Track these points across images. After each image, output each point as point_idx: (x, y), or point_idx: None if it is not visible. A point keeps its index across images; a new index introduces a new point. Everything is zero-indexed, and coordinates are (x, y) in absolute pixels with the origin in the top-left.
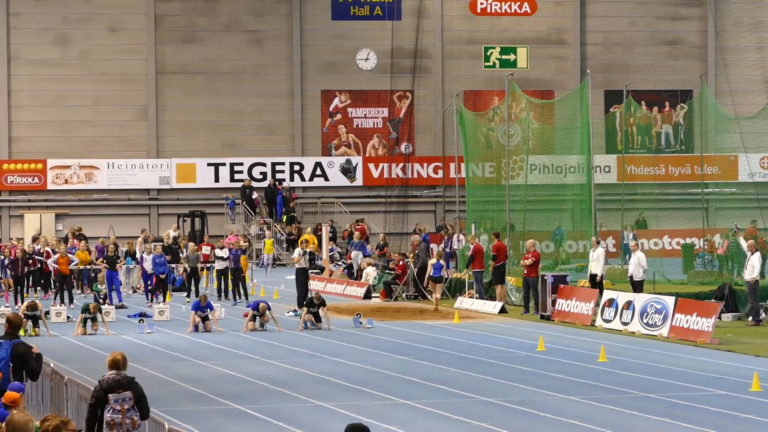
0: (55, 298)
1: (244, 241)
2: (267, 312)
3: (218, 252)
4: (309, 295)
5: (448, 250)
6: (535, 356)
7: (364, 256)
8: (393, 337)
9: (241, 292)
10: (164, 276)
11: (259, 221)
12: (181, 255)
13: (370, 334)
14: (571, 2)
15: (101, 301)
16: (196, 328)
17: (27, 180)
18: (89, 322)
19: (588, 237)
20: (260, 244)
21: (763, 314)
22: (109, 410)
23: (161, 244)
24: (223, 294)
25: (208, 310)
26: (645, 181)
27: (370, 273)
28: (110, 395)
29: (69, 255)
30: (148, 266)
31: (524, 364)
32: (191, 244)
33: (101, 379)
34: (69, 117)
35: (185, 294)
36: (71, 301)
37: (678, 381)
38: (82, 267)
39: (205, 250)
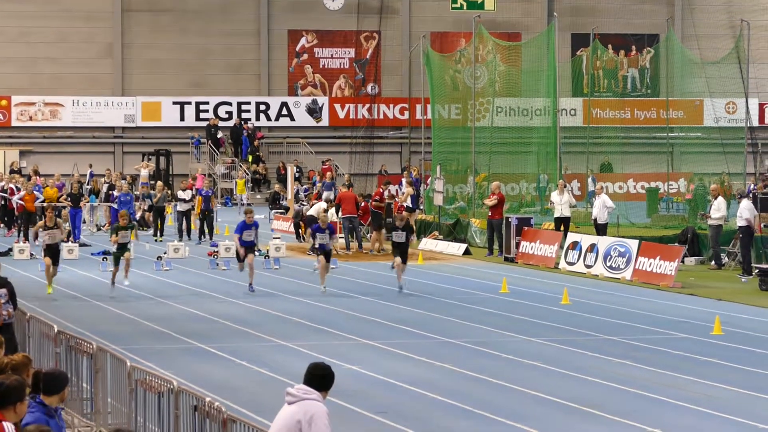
0: (18, 235)
1: (209, 181)
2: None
3: (180, 194)
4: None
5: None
6: (499, 298)
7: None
8: (357, 278)
9: (206, 231)
10: None
11: (226, 161)
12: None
13: (334, 274)
14: None
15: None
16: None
17: None
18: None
19: (553, 180)
20: (225, 184)
21: (726, 258)
22: None
23: (125, 182)
24: (184, 234)
25: (254, 228)
26: (610, 124)
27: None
28: None
29: (35, 192)
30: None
31: (487, 306)
32: (159, 183)
33: None
34: (33, 54)
35: (152, 233)
36: (35, 238)
37: (640, 324)
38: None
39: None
